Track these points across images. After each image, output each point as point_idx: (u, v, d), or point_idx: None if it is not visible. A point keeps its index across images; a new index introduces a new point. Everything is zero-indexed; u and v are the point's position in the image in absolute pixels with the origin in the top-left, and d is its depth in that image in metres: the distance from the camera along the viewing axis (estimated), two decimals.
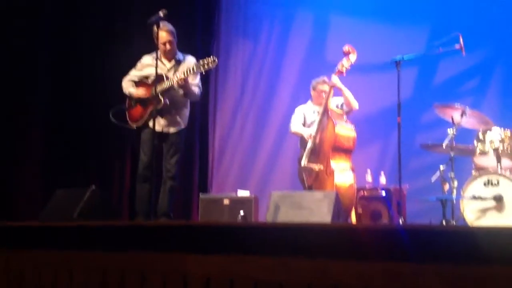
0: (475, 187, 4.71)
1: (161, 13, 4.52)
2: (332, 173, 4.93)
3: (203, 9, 7.19)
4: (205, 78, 7.09)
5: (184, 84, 4.80)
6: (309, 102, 5.65)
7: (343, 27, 6.71)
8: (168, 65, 4.99)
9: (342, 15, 6.81)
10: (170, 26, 4.92)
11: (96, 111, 5.21)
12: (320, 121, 5.20)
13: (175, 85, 4.77)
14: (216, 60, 4.79)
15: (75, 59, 6.26)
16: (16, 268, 3.22)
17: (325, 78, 5.45)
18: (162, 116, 4.89)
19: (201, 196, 5.63)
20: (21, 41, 6.01)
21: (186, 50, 5.09)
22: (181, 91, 4.90)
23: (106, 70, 5.37)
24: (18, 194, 5.92)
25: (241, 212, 5.17)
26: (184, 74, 4.78)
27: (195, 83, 5.00)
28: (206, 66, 4.76)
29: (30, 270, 3.16)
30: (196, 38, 6.91)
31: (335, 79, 5.24)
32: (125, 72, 5.16)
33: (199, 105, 6.98)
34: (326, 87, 5.38)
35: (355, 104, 5.32)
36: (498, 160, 4.80)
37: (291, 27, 7.11)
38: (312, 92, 5.57)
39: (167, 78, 4.82)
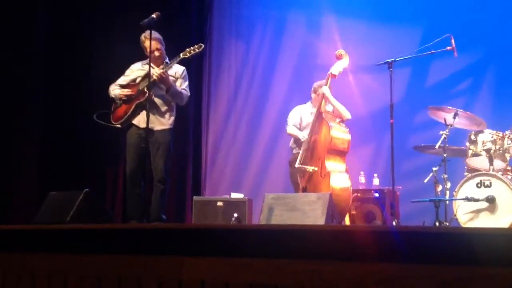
0: (468, 188, 4.73)
1: (154, 16, 4.54)
2: (327, 175, 4.94)
3: (196, 11, 7.20)
4: (198, 80, 7.15)
5: (164, 78, 4.80)
6: (309, 103, 5.67)
7: (336, 29, 6.73)
8: (157, 69, 5.00)
9: (335, 17, 6.83)
10: (157, 34, 4.94)
11: (91, 116, 5.24)
12: (314, 123, 5.22)
13: (156, 77, 4.75)
14: (202, 45, 4.84)
15: (70, 64, 6.26)
16: (10, 273, 3.21)
17: (320, 92, 5.46)
18: (147, 112, 4.87)
19: (195, 198, 5.63)
20: (17, 48, 6.02)
21: (179, 52, 5.09)
22: (163, 88, 4.89)
23: (101, 75, 5.38)
24: (15, 198, 5.91)
25: (235, 215, 5.17)
26: (165, 68, 4.84)
27: (183, 87, 5.04)
28: (192, 52, 4.81)
29: (25, 275, 3.15)
30: (189, 40, 6.91)
31: (325, 90, 5.26)
32: (118, 76, 5.18)
33: (193, 107, 7.00)
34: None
35: (346, 115, 5.34)
36: (491, 161, 4.83)
37: (284, 29, 7.13)
38: (313, 95, 5.59)
39: (154, 68, 4.86)
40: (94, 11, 6.44)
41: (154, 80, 4.78)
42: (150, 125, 4.73)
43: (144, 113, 4.89)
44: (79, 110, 6.14)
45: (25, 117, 6.15)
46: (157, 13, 4.54)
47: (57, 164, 6.12)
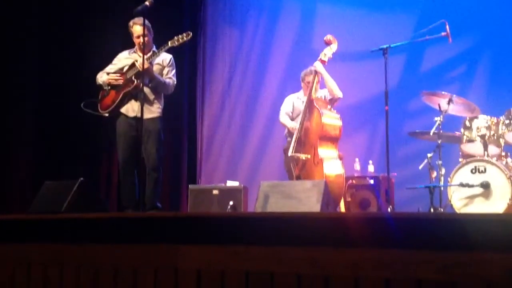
0: (463, 174, 4.74)
1: (147, 3, 4.50)
2: (320, 162, 4.94)
3: None
4: (192, 69, 7.12)
5: (147, 70, 4.75)
6: (301, 91, 5.66)
7: (331, 16, 6.71)
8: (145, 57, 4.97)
9: (329, 4, 6.81)
10: (146, 22, 4.84)
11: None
12: (305, 111, 5.21)
13: (139, 68, 4.71)
14: (191, 33, 4.79)
15: (63, 54, 6.22)
16: (6, 263, 3.20)
17: (313, 69, 5.47)
18: (136, 101, 4.82)
19: (190, 186, 5.62)
20: (9, 37, 5.98)
21: (168, 40, 5.06)
22: (146, 78, 4.85)
23: (94, 64, 5.34)
24: (8, 188, 5.89)
25: (231, 203, 5.17)
26: (150, 58, 4.80)
27: (169, 75, 5.01)
28: (180, 40, 4.77)
29: (20, 264, 3.14)
30: (182, 28, 6.86)
31: (318, 65, 5.25)
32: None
33: (187, 96, 6.98)
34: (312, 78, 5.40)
35: (338, 93, 5.34)
36: (485, 147, 4.84)
37: (278, 16, 7.09)
38: (302, 83, 5.59)
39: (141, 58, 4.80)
40: (87, 1, 6.40)
41: (139, 70, 4.74)
42: (138, 114, 4.68)
43: (132, 102, 4.89)
44: (73, 99, 6.09)
45: (20, 107, 6.12)
46: (150, 0, 4.51)
47: (51, 153, 6.10)
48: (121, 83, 4.93)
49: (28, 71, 6.21)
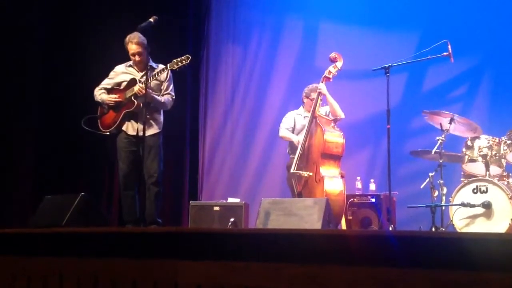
0: (464, 194, 4.73)
1: (151, 20, 4.53)
2: (321, 180, 4.94)
3: (193, 15, 7.20)
4: (195, 85, 7.15)
5: (144, 93, 4.72)
6: (301, 108, 5.68)
7: (333, 34, 6.75)
8: (141, 73, 5.00)
9: (332, 22, 6.85)
10: (140, 38, 4.88)
11: (81, 121, 5.23)
12: (309, 127, 5.23)
13: (136, 92, 4.75)
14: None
15: (65, 68, 6.25)
16: (6, 276, 3.19)
17: (318, 90, 5.50)
18: (136, 120, 4.86)
19: (191, 203, 5.61)
20: (13, 52, 6.02)
21: (176, 56, 5.09)
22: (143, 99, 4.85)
23: (96, 79, 5.36)
24: (9, 201, 5.88)
25: (232, 219, 5.16)
26: (146, 81, 4.74)
27: (168, 91, 5.02)
28: (180, 63, 4.77)
29: (20, 278, 3.13)
30: (186, 44, 6.91)
31: (323, 87, 5.29)
32: None
33: (190, 112, 7.00)
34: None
35: (340, 113, 5.38)
36: (487, 167, 4.84)
37: (281, 33, 7.14)
38: (305, 99, 5.60)
39: (140, 81, 4.83)
40: (87, 12, 6.44)
41: (136, 93, 4.78)
42: (140, 132, 4.72)
43: (132, 120, 4.92)
44: (74, 113, 6.12)
45: (21, 120, 6.13)
46: (154, 17, 4.54)
47: (52, 167, 6.10)
48: (120, 103, 4.94)
49: (31, 82, 6.23)
